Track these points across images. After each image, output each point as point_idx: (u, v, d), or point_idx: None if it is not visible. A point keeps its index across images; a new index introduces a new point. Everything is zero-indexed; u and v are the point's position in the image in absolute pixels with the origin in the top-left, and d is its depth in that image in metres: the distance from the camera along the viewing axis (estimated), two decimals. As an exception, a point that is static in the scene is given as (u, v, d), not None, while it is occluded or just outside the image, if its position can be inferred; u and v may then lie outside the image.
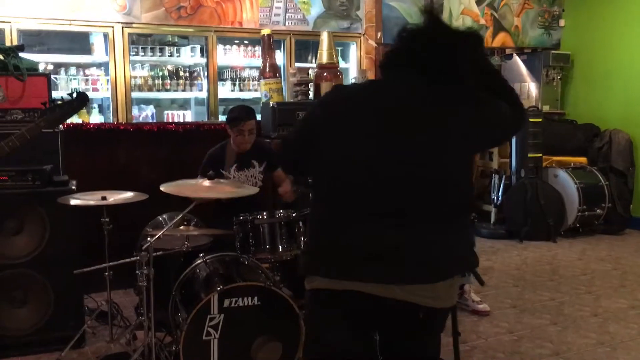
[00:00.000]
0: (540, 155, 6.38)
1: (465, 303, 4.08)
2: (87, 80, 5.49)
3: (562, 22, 7.64)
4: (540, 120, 6.39)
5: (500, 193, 6.42)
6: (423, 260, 1.69)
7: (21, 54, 3.72)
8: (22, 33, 5.02)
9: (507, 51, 7.71)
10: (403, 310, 1.71)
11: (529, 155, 6.30)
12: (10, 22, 4.88)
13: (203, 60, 5.88)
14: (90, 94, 5.50)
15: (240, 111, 3.90)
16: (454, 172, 1.73)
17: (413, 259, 1.69)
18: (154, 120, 5.80)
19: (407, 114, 1.72)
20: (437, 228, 1.71)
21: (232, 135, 3.90)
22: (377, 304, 1.71)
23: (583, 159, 6.80)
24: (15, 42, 4.81)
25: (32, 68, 3.74)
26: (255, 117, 3.96)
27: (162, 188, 2.97)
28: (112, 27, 5.25)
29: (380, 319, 1.79)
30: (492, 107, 1.81)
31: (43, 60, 5.24)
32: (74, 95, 2.37)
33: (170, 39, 6.04)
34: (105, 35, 5.31)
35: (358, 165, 1.72)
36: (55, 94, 3.49)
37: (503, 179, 6.44)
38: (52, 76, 4.92)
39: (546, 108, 7.38)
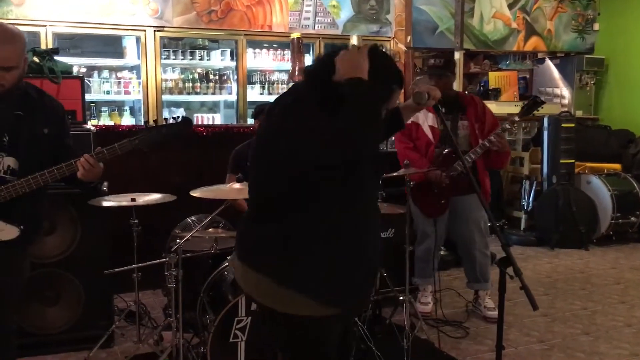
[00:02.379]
0: (573, 161, 6.26)
1: (479, 308, 4.07)
2: (119, 83, 5.57)
3: (596, 26, 7.49)
4: (573, 125, 6.27)
5: (530, 199, 6.32)
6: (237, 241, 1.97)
7: (56, 57, 3.78)
8: (57, 36, 5.12)
9: (539, 55, 7.61)
10: None
11: (561, 161, 6.18)
12: (45, 26, 4.99)
13: (233, 64, 5.92)
14: (122, 97, 5.59)
15: (264, 106, 3.92)
16: (259, 175, 1.88)
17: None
18: (184, 123, 5.85)
19: None
20: (251, 219, 1.91)
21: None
22: None
23: (617, 166, 6.65)
24: (50, 45, 4.90)
25: (67, 71, 3.80)
26: None
27: (193, 194, 2.98)
28: (144, 30, 5.32)
29: None
30: (296, 121, 1.75)
31: (77, 63, 5.35)
32: (179, 119, 2.35)
33: (200, 43, 6.10)
34: (138, 39, 5.38)
35: None
36: (89, 96, 3.50)
37: (534, 185, 6.34)
38: (85, 79, 5.01)
39: (579, 113, 7.25)
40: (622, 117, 7.17)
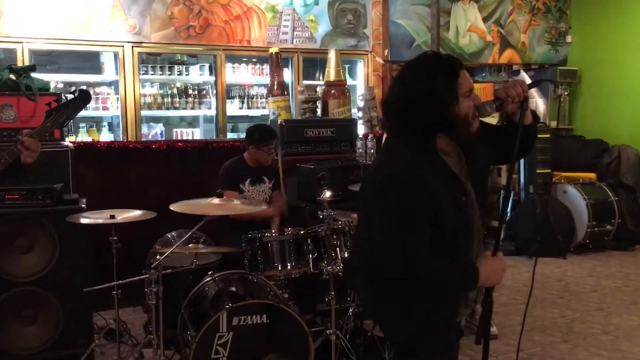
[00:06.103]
0: (549, 171, 6.36)
1: (474, 324, 4.00)
2: (97, 98, 5.53)
3: (569, 38, 7.65)
4: (548, 136, 6.38)
5: (508, 209, 6.39)
6: None
7: (33, 74, 3.77)
8: (34, 53, 5.08)
9: (514, 67, 7.72)
10: None
11: (538, 171, 6.28)
12: (22, 43, 4.95)
13: (212, 79, 5.93)
14: (100, 113, 5.55)
15: (270, 130, 4.09)
16: None
17: None
18: (163, 138, 5.84)
19: None
20: None
21: (255, 153, 4.00)
22: None
23: (592, 175, 6.77)
24: (27, 62, 4.87)
25: (44, 88, 3.78)
26: None
27: (172, 208, 2.98)
28: (122, 46, 5.31)
29: None
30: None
31: (54, 79, 5.30)
32: (77, 93, 2.44)
33: (179, 58, 6.09)
34: (116, 55, 5.37)
35: None
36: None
37: (512, 195, 6.41)
38: (63, 95, 4.97)
39: (554, 124, 7.36)
40: (595, 127, 7.31)
